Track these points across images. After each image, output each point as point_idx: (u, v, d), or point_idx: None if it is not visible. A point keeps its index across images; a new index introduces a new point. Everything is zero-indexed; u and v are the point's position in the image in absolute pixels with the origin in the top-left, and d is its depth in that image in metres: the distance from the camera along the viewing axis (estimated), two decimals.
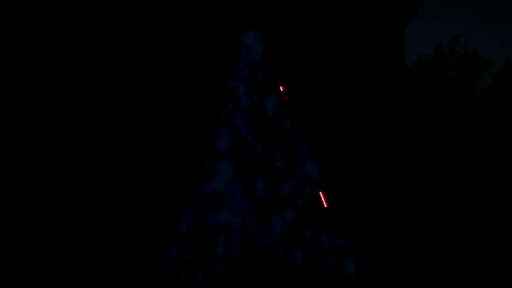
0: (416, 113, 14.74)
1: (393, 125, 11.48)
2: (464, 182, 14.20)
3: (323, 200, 8.65)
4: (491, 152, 15.06)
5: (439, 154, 14.69)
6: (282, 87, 9.00)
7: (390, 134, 11.39)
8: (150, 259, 9.14)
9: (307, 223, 8.63)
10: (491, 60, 18.80)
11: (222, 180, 8.65)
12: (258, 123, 8.97)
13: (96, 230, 9.86)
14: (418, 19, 12.27)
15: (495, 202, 13.47)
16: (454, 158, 14.85)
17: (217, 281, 8.21)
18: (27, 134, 10.12)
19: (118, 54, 10.66)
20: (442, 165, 14.39)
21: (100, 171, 10.19)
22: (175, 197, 9.29)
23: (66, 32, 10.56)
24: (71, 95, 10.42)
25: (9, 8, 10.38)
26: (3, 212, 9.73)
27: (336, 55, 11.35)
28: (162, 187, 10.05)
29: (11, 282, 9.18)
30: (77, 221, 9.88)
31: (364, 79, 11.44)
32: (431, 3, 24.00)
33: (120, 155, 10.30)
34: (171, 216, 9.04)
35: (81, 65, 10.53)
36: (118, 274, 9.47)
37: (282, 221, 8.54)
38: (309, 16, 11.33)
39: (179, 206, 8.82)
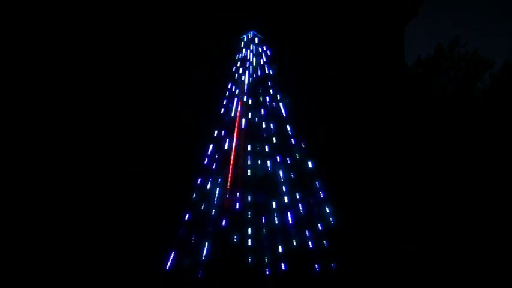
0: (416, 112, 14.74)
1: (393, 124, 11.49)
2: (464, 181, 14.20)
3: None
4: (491, 152, 15.06)
5: (439, 154, 14.69)
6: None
7: (390, 133, 11.40)
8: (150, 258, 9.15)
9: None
10: (491, 60, 18.80)
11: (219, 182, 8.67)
12: (258, 123, 8.97)
13: (97, 229, 9.88)
14: (418, 19, 12.29)
15: (495, 201, 13.47)
16: (454, 158, 14.85)
17: None
18: (29, 136, 10.13)
19: (118, 55, 10.67)
20: (442, 164, 14.39)
21: (100, 171, 10.21)
22: (175, 198, 9.30)
23: (67, 32, 10.57)
24: (72, 96, 10.43)
25: (9, 8, 10.39)
26: (4, 212, 9.74)
27: (336, 55, 11.36)
28: (161, 187, 10.07)
29: (11, 282, 9.19)
30: (78, 221, 9.91)
31: (364, 79, 11.45)
32: (431, 3, 23.98)
33: (120, 156, 10.32)
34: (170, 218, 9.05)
35: (81, 66, 10.54)
36: (120, 272, 9.49)
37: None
38: (309, 16, 11.34)
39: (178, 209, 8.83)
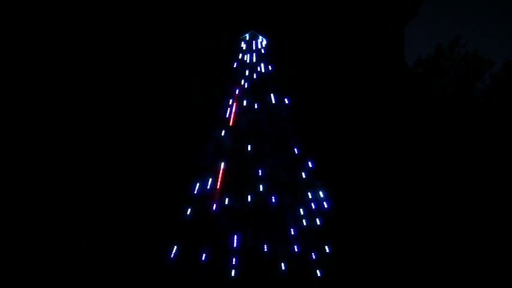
0: (417, 112, 14.75)
1: (393, 124, 11.49)
2: (464, 181, 14.21)
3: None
4: (491, 152, 15.06)
5: (439, 154, 14.69)
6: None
7: (390, 133, 11.40)
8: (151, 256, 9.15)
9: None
10: (491, 60, 18.84)
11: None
12: (258, 123, 8.96)
13: (97, 228, 9.89)
14: (418, 19, 12.30)
15: (495, 202, 13.48)
16: (454, 158, 14.86)
17: None
18: (29, 135, 10.14)
19: (118, 55, 10.67)
20: (442, 165, 14.39)
21: (100, 171, 10.22)
22: (173, 197, 9.30)
23: (67, 32, 10.58)
24: (71, 95, 10.44)
25: (9, 8, 10.39)
26: (3, 212, 9.74)
27: (336, 55, 11.36)
28: (160, 186, 10.08)
29: (10, 282, 9.20)
30: (77, 220, 9.91)
31: (364, 79, 11.45)
32: (431, 3, 24.01)
33: (119, 155, 10.33)
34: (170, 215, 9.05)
35: (81, 66, 10.54)
36: (120, 271, 9.50)
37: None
38: (309, 16, 11.34)
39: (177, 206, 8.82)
